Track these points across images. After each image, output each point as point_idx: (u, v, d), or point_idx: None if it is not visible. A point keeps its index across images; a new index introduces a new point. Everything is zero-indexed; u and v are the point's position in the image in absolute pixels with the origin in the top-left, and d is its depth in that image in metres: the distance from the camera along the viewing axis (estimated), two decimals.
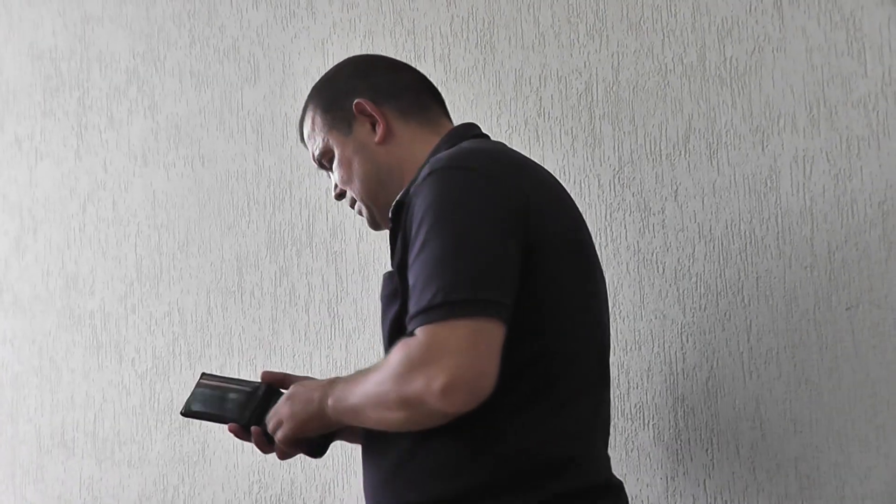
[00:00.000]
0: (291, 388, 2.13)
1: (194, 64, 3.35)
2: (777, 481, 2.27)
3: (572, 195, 2.50)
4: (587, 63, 2.57)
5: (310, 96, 2.28)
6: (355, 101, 2.19)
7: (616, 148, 2.52)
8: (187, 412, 2.23)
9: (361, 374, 2.00)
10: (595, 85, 2.56)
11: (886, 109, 2.20)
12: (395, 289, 1.99)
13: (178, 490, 3.29)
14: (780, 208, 2.30)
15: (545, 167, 2.54)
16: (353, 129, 2.20)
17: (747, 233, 2.33)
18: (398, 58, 2.86)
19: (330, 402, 2.03)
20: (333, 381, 2.08)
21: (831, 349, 2.23)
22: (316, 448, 2.17)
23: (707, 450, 2.35)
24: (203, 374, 2.29)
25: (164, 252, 3.38)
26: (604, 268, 2.45)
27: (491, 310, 1.87)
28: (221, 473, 3.20)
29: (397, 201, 2.04)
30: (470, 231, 1.91)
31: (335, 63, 2.98)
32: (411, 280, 1.91)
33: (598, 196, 2.51)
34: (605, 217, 2.51)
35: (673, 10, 2.45)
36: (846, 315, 2.21)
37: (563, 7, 2.60)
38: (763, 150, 2.32)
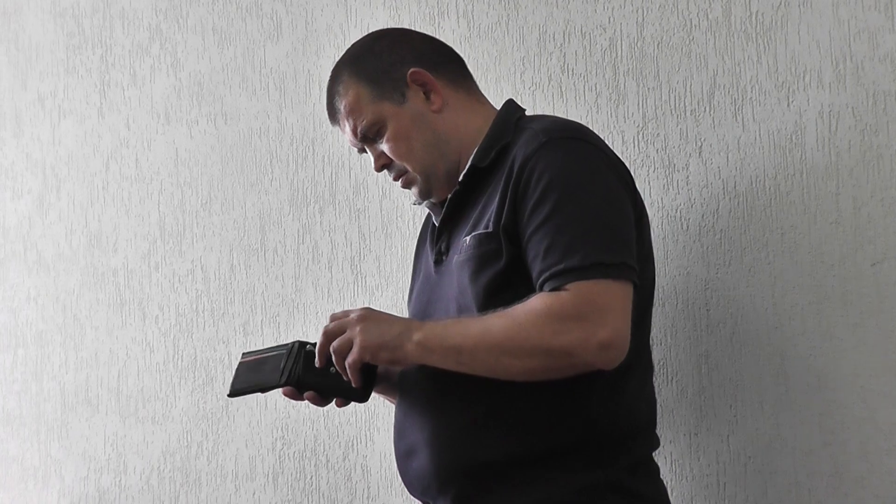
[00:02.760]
0: (359, 309, 2.13)
1: (217, 21, 3.36)
2: (801, 437, 2.28)
3: None
4: (611, 18, 2.57)
5: (343, 70, 2.25)
6: (410, 71, 2.20)
7: (640, 104, 2.52)
8: (232, 393, 2.25)
9: (469, 318, 2.05)
10: (619, 41, 2.56)
11: None
12: (497, 249, 2.05)
13: (201, 446, 3.32)
14: (806, 164, 2.29)
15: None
16: (408, 99, 2.20)
17: (772, 188, 2.33)
18: (421, 14, 2.87)
19: (417, 336, 2.06)
20: (417, 321, 2.13)
21: (856, 304, 2.23)
22: (360, 391, 2.18)
23: (731, 406, 2.36)
24: (242, 353, 2.33)
25: (187, 210, 3.39)
26: None
27: (633, 275, 2.01)
28: (245, 430, 3.22)
29: (475, 166, 2.15)
30: (607, 200, 2.04)
31: (357, 19, 3.01)
32: (542, 241, 2.00)
33: (622, 153, 2.51)
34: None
35: None
36: (871, 270, 2.21)
37: None
38: (788, 105, 2.32)
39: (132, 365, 3.50)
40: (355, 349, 2.08)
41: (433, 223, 2.29)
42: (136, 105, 3.55)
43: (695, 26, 2.45)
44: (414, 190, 2.26)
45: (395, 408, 2.26)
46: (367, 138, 2.23)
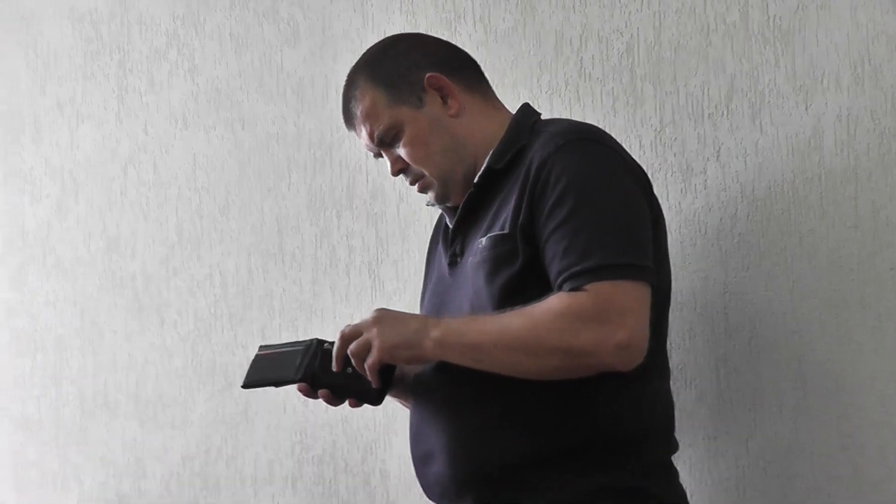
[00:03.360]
0: (374, 311, 2.14)
1: (234, 26, 3.37)
2: (819, 441, 2.28)
3: None
4: (628, 23, 2.57)
5: (359, 75, 2.25)
6: (428, 75, 2.20)
7: (657, 108, 2.52)
8: (246, 384, 2.26)
9: (486, 316, 2.06)
10: (636, 45, 2.56)
11: None
12: (513, 250, 2.07)
13: (220, 451, 3.33)
14: (824, 168, 2.29)
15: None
16: (425, 103, 2.20)
17: (790, 193, 2.33)
18: (438, 19, 2.88)
19: (436, 333, 2.07)
20: (433, 318, 2.14)
21: (874, 308, 2.23)
22: (375, 393, 2.18)
23: (750, 410, 2.36)
24: (259, 346, 2.32)
25: (205, 215, 3.41)
26: None
27: (651, 277, 2.03)
28: (263, 434, 3.23)
29: (490, 168, 2.16)
30: (625, 202, 2.06)
31: (374, 24, 3.02)
32: (560, 242, 2.01)
33: (640, 157, 2.50)
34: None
35: None
36: (890, 275, 2.21)
37: None
38: (806, 109, 2.32)
39: (150, 370, 3.51)
40: (374, 351, 2.09)
41: (446, 224, 2.30)
42: (153, 110, 3.57)
43: (712, 30, 2.45)
44: (430, 194, 2.26)
45: (410, 412, 2.27)
46: (383, 143, 2.22)
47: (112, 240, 3.65)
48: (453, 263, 2.22)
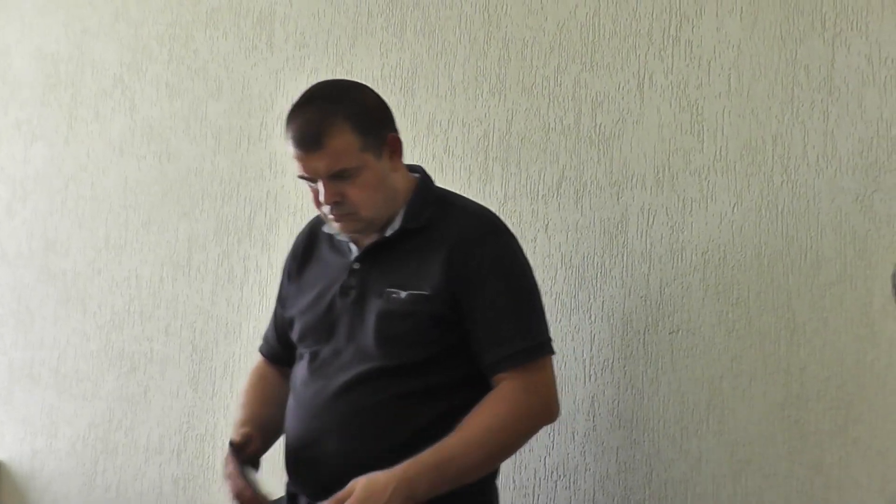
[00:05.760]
0: (355, 489, 1.95)
1: (170, 77, 3.33)
2: (601, 464, 2.32)
3: None
4: (487, 114, 2.60)
5: (338, 114, 2.05)
6: (391, 135, 2.11)
7: (503, 185, 2.55)
8: None
9: (447, 444, 1.96)
10: (492, 133, 2.59)
11: (715, 180, 2.26)
12: (431, 311, 2.02)
13: (121, 423, 3.27)
14: (627, 248, 2.34)
15: None
16: (382, 156, 2.09)
17: (599, 264, 2.37)
18: None
19: (416, 490, 1.93)
20: (401, 467, 1.95)
21: (654, 363, 2.28)
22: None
23: (549, 434, 2.39)
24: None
25: (130, 228, 3.35)
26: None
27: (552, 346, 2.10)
28: (158, 413, 3.19)
29: (405, 228, 2.09)
30: (534, 287, 2.08)
31: (285, 90, 3.00)
32: (491, 324, 2.01)
33: None
34: None
35: (559, 81, 2.49)
36: (669, 338, 2.27)
37: (472, 67, 2.63)
38: (618, 200, 2.36)
39: (70, 350, 3.44)
40: None
41: (334, 238, 2.18)
42: (96, 138, 3.51)
43: (552, 129, 2.49)
44: (346, 226, 2.10)
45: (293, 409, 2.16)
46: (336, 177, 2.05)
47: (50, 241, 3.57)
48: (345, 294, 2.11)
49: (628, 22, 2.39)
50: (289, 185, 2.93)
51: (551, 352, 2.06)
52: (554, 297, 2.42)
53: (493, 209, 2.50)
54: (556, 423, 2.36)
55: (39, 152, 3.67)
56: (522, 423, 2.01)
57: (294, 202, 2.92)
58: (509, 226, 2.47)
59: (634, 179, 2.35)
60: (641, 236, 2.33)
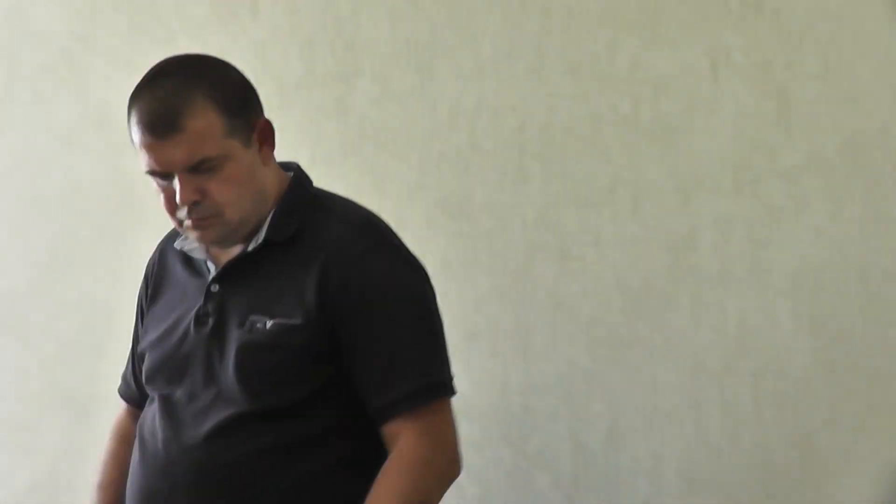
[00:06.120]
0: None
1: (130, 52, 3.35)
2: None
3: (495, 230, 2.58)
4: (523, 100, 2.62)
5: (196, 90, 1.99)
6: (262, 119, 2.07)
7: (543, 189, 2.57)
8: None
9: None
10: (529, 124, 2.60)
11: (808, 183, 2.27)
12: (301, 345, 2.00)
13: (70, 482, 3.30)
14: (697, 268, 2.36)
15: (470, 200, 2.61)
16: (251, 144, 2.04)
17: (663, 289, 2.39)
18: (336, 71, 2.90)
19: None
20: None
21: (733, 413, 2.30)
22: None
23: (604, 500, 2.40)
24: None
25: (80, 239, 3.38)
26: (519, 307, 2.52)
27: (453, 387, 2.06)
28: None
29: (269, 241, 2.06)
30: (434, 313, 2.06)
31: (271, 69, 3.03)
32: (374, 361, 2.00)
33: (521, 235, 2.56)
34: (525, 257, 2.56)
35: (612, 60, 2.50)
36: (751, 382, 2.28)
37: (504, 42, 2.65)
38: (685, 208, 2.38)
39: (7, 390, 3.48)
40: None
41: (186, 267, 2.17)
42: (37, 125, 3.54)
43: (603, 119, 2.50)
44: (206, 234, 2.05)
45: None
46: (196, 169, 1.98)
47: None
48: (201, 324, 2.09)
49: None
50: None
51: (452, 392, 2.04)
52: (606, 329, 2.43)
53: (530, 217, 2.55)
54: (610, 487, 2.39)
55: None
56: (433, 494, 2.01)
57: None
58: (549, 239, 2.52)
59: (706, 183, 2.36)
60: (715, 254, 2.34)
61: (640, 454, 2.39)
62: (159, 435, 2.10)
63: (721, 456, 2.31)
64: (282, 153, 2.69)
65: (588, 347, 2.46)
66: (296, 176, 2.16)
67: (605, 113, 2.50)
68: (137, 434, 2.18)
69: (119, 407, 2.38)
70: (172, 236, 2.23)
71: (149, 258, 2.30)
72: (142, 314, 2.28)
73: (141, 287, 2.30)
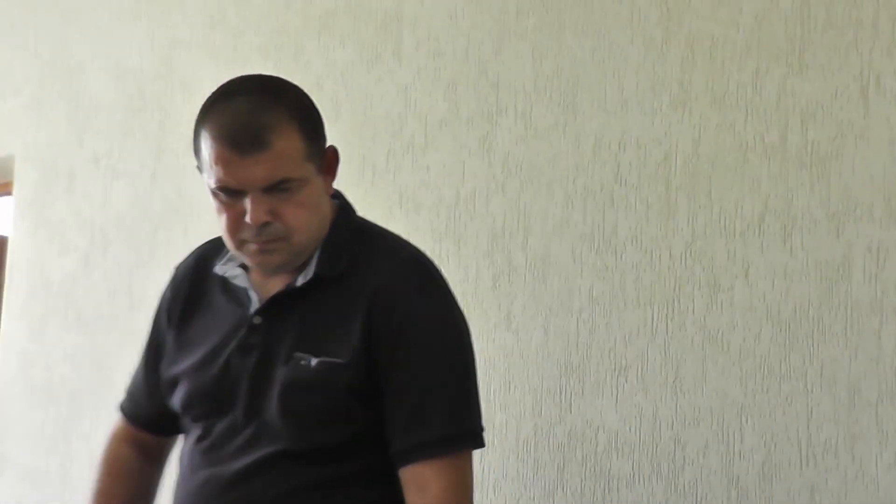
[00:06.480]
0: None
1: None
2: None
3: (642, 264, 2.57)
4: (668, 133, 2.61)
5: (284, 111, 1.97)
6: (331, 147, 2.08)
7: (690, 220, 2.56)
8: None
9: None
10: (674, 155, 2.60)
11: None
12: (347, 384, 1.99)
13: None
14: (851, 297, 2.32)
15: (616, 234, 2.60)
16: (322, 171, 2.04)
17: (815, 318, 2.36)
18: (479, 110, 2.92)
19: None
20: None
21: (893, 444, 2.25)
22: None
23: None
24: None
25: None
26: (668, 340, 2.50)
27: (482, 439, 2.06)
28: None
29: (319, 276, 2.04)
30: (472, 362, 2.07)
31: (417, 109, 3.06)
32: (414, 395, 1.99)
33: (669, 267, 2.55)
34: (674, 289, 2.54)
35: (758, 88, 2.49)
36: None
37: (647, 75, 2.65)
38: (838, 237, 2.35)
39: None
40: None
41: (224, 292, 2.14)
42: (189, 173, 3.62)
43: (750, 148, 2.49)
44: (269, 259, 2.03)
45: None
46: (276, 189, 1.96)
47: (136, 299, 3.70)
48: (245, 354, 2.06)
49: (847, 10, 2.38)
50: (423, 223, 2.98)
51: (481, 444, 2.03)
52: (758, 360, 2.41)
53: (678, 249, 2.54)
54: None
55: (122, 192, 3.80)
56: None
57: (432, 246, 2.97)
58: (697, 271, 2.50)
59: (859, 210, 2.33)
60: (870, 282, 2.30)
61: (795, 488, 2.35)
62: (199, 472, 2.10)
63: (879, 489, 2.26)
64: (426, 193, 2.75)
65: (740, 379, 2.43)
66: (341, 205, 2.14)
67: (753, 142, 2.48)
68: (179, 466, 2.17)
69: (115, 426, 2.34)
70: (206, 256, 2.22)
71: (177, 267, 2.28)
72: (167, 325, 2.23)
73: (166, 296, 2.27)
